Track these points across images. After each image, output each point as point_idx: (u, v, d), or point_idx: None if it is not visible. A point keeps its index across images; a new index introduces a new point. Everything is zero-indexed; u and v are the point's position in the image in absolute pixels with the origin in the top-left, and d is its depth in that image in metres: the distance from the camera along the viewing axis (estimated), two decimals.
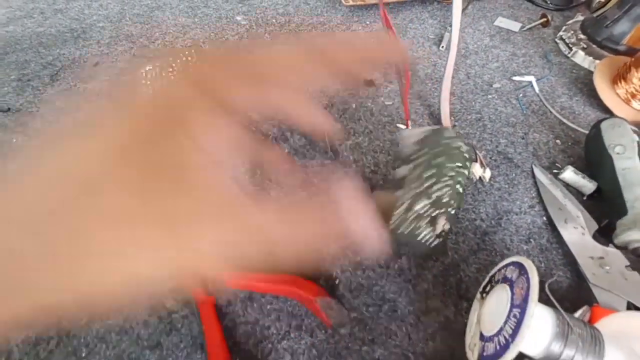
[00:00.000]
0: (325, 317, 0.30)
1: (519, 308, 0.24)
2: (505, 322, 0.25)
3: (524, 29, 0.67)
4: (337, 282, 0.35)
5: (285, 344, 0.32)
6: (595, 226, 0.38)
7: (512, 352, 0.23)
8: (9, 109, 0.44)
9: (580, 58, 0.61)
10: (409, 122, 0.50)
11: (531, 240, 0.39)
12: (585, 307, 0.31)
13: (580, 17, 0.68)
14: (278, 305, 0.33)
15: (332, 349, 0.32)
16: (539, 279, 0.25)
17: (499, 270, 0.30)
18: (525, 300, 0.24)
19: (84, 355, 0.32)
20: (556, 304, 0.25)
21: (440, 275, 0.36)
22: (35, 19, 0.59)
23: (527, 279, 0.25)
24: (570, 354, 0.24)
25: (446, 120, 0.47)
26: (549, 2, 0.74)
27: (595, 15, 0.63)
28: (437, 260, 0.37)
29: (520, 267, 0.27)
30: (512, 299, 0.26)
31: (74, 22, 0.59)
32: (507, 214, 0.41)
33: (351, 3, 0.65)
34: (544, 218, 0.41)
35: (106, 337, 0.32)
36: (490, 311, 0.27)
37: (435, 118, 0.51)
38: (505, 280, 0.28)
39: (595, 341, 0.24)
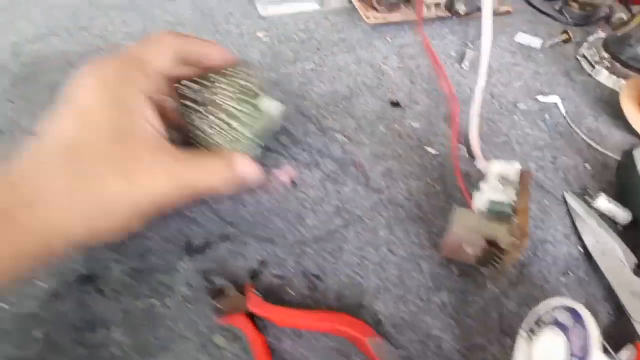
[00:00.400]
0: (377, 358, 0.31)
1: None
2: None
3: (546, 45, 0.67)
4: (380, 317, 0.35)
5: None
6: (633, 258, 0.39)
7: None
8: None
9: (604, 77, 0.61)
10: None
11: (569, 272, 0.39)
12: (629, 346, 0.32)
13: (601, 34, 0.68)
14: (325, 343, 0.33)
15: None
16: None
17: (547, 312, 0.30)
18: (585, 351, 0.25)
19: None
20: (613, 353, 0.25)
21: (481, 310, 0.36)
22: (61, 36, 0.58)
23: (585, 327, 0.26)
24: None
25: (477, 151, 0.47)
26: (567, 17, 0.74)
27: (618, 33, 0.63)
28: (477, 294, 0.37)
29: (574, 313, 0.27)
30: (570, 348, 0.26)
31: (98, 40, 0.59)
32: (542, 243, 0.41)
33: (373, 21, 0.65)
34: (580, 248, 0.41)
35: None
36: (544, 357, 0.28)
37: (463, 141, 0.51)
38: (557, 324, 0.28)
39: None
